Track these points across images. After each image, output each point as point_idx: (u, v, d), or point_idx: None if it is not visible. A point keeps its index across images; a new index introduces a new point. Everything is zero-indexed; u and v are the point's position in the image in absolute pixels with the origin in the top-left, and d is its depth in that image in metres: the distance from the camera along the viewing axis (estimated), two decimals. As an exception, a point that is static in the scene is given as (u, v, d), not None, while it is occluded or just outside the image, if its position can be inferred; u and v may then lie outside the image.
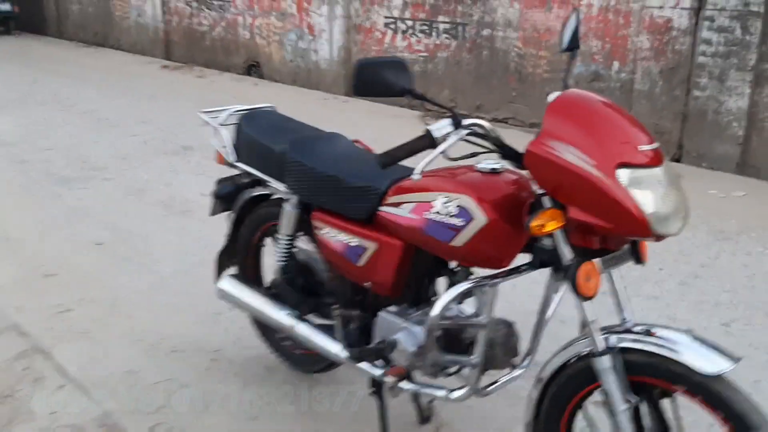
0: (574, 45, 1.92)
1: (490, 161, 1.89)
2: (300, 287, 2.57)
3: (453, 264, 2.09)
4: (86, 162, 5.62)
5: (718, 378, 1.58)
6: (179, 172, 5.40)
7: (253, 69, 9.47)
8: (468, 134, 1.75)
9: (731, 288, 3.54)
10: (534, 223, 1.65)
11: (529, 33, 6.57)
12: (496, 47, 6.87)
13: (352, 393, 2.65)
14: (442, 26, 7.29)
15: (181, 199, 4.80)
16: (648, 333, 1.69)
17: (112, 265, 3.79)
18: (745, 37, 5.21)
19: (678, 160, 5.68)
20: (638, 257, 1.77)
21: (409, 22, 7.57)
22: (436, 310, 1.87)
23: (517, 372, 2.02)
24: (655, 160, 1.58)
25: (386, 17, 7.77)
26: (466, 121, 1.75)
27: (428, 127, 1.73)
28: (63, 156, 5.77)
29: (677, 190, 1.61)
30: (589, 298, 1.68)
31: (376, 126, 6.68)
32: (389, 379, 2.10)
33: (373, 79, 1.71)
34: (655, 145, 1.61)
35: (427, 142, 1.72)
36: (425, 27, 7.44)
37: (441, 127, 1.73)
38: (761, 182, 5.27)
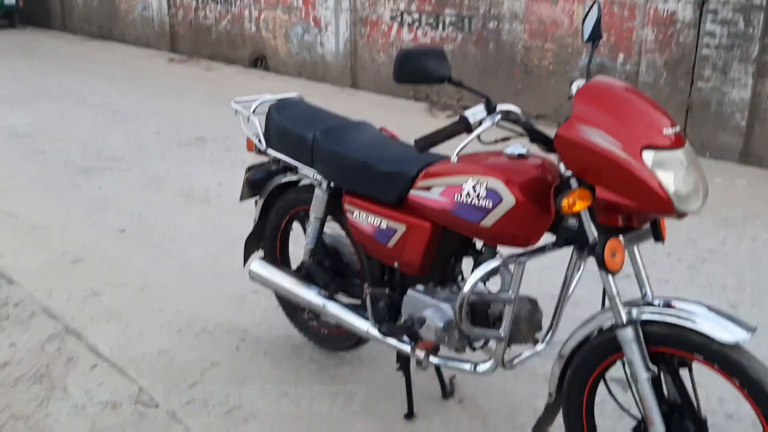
0: (596, 35, 2.02)
1: (518, 146, 1.99)
2: (327, 268, 2.68)
3: (479, 244, 2.20)
4: (103, 153, 5.70)
5: (735, 346, 1.68)
6: (195, 163, 5.48)
7: (260, 62, 9.53)
8: (501, 119, 1.85)
9: (738, 272, 3.65)
10: (564, 202, 1.75)
11: (535, 25, 6.66)
12: (503, 40, 6.95)
13: (379, 369, 2.77)
14: (448, 19, 7.37)
15: (199, 188, 4.89)
16: (668, 305, 1.80)
17: (137, 251, 3.88)
18: (748, 29, 5.31)
19: (682, 150, 5.77)
20: (658, 235, 1.87)
21: (416, 15, 7.65)
22: (468, 286, 1.97)
23: (539, 346, 2.13)
24: (677, 143, 1.69)
25: (392, 10, 7.85)
26: (499, 107, 1.86)
27: (464, 113, 1.83)
28: (80, 147, 5.84)
29: (697, 171, 1.72)
30: (614, 272, 1.78)
31: (383, 118, 6.73)
32: (419, 353, 2.20)
33: (415, 68, 1.81)
34: (677, 128, 1.72)
35: (463, 127, 1.82)
36: (431, 20, 7.52)
37: (476, 112, 1.83)
38: (764, 171, 5.38)
